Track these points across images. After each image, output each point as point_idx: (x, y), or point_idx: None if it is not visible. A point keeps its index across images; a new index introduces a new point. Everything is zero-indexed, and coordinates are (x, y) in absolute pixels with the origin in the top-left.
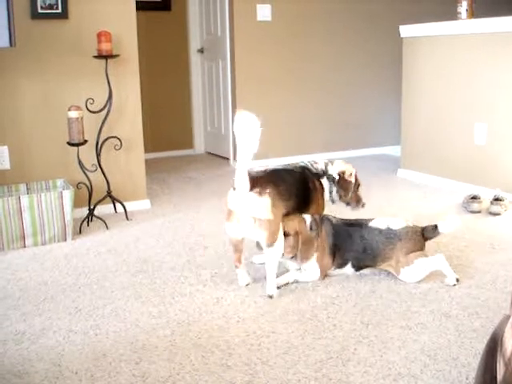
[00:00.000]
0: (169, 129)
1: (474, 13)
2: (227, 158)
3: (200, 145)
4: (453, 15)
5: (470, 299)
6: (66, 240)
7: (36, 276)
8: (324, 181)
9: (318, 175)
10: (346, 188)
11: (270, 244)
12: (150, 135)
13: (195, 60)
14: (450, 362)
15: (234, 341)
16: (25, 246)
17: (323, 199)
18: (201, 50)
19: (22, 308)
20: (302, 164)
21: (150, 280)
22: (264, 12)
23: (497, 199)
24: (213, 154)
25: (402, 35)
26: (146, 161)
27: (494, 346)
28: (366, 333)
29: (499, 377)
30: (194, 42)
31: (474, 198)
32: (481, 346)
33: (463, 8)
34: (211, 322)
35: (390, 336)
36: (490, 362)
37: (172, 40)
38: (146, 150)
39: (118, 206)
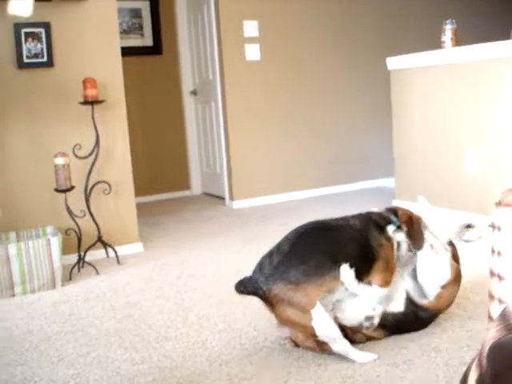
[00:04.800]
0: (165, 171)
1: (458, 41)
2: (223, 198)
3: (197, 185)
4: (438, 45)
5: (461, 332)
6: (55, 287)
7: (22, 325)
8: (394, 234)
9: (382, 228)
10: (417, 237)
11: (313, 336)
12: (147, 178)
13: (189, 102)
14: None
15: None
16: (14, 295)
17: (393, 257)
18: (194, 92)
19: (4, 358)
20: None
21: (135, 325)
22: (253, 52)
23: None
24: (209, 194)
25: (389, 68)
26: (143, 204)
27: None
28: (351, 372)
29: None
30: (187, 84)
31: (469, 226)
32: None
33: (447, 37)
34: (194, 366)
35: (376, 374)
36: None
37: (165, 83)
38: (143, 194)
39: (111, 250)
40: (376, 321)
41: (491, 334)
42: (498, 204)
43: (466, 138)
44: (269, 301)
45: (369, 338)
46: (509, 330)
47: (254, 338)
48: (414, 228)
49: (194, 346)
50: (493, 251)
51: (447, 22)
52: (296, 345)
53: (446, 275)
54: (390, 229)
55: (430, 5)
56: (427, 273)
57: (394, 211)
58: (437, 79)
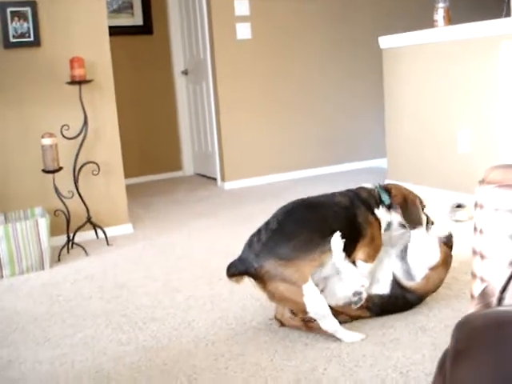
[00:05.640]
0: (157, 152)
1: (451, 19)
2: (214, 179)
3: (189, 166)
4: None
5: (448, 311)
6: (43, 269)
7: (10, 306)
8: (379, 212)
9: (370, 206)
10: (412, 218)
11: (304, 312)
12: (138, 159)
13: (180, 82)
14: (422, 379)
15: (200, 365)
16: (2, 277)
17: (379, 235)
18: (185, 72)
19: None
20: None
21: (123, 306)
22: (244, 31)
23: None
24: (202, 174)
25: (381, 46)
26: (134, 185)
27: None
28: (337, 351)
29: None
30: (178, 64)
31: (459, 206)
32: None
33: (440, 15)
34: (180, 346)
35: (362, 353)
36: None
37: (156, 63)
38: (134, 175)
39: (100, 231)
40: (364, 295)
41: (470, 312)
42: (482, 182)
43: (457, 118)
44: (260, 278)
45: (354, 318)
46: (488, 308)
47: (241, 318)
48: (408, 209)
49: (180, 326)
50: (475, 229)
51: (439, 0)
52: (282, 324)
53: (435, 257)
54: (379, 211)
55: None
56: (416, 253)
57: (388, 189)
58: (429, 58)
